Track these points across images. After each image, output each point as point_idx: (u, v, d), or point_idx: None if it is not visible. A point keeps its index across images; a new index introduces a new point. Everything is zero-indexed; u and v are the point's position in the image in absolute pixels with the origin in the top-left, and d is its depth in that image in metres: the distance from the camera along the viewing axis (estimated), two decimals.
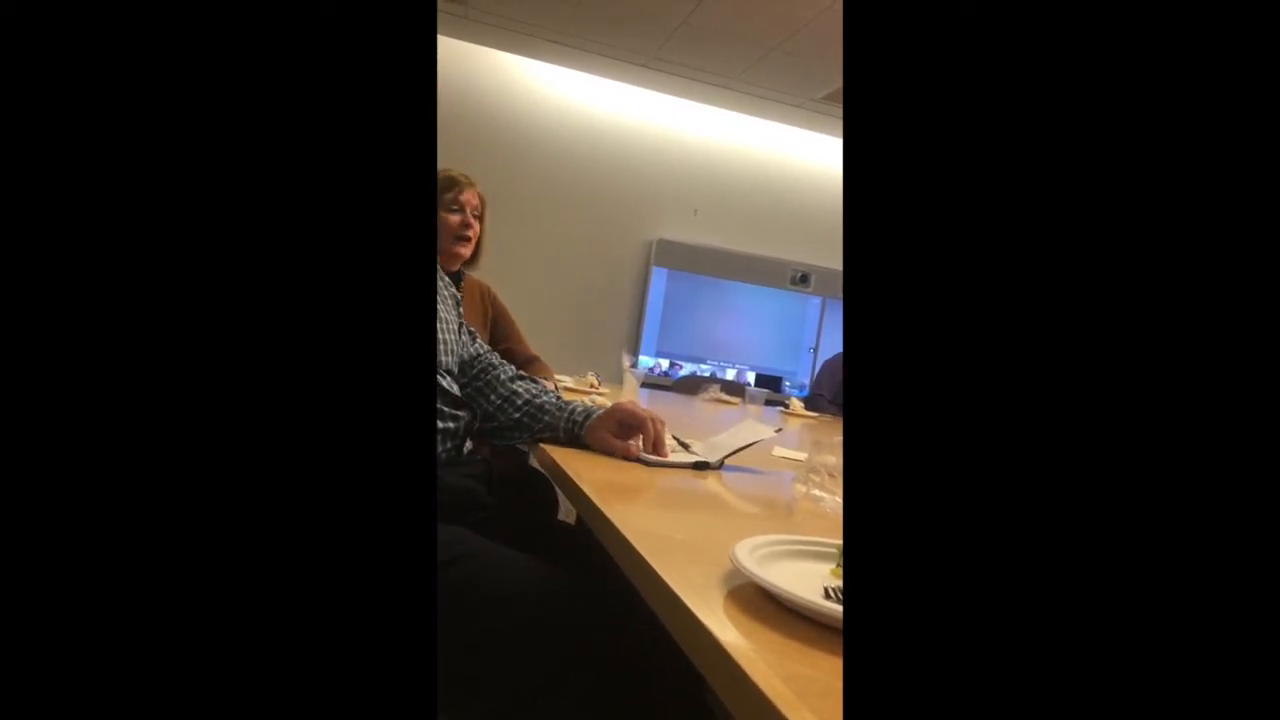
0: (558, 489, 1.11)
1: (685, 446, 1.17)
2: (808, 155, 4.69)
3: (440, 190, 1.86)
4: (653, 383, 4.11)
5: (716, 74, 3.95)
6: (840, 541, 0.56)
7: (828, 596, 0.49)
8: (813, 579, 0.54)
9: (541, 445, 1.10)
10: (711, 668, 0.43)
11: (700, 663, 0.44)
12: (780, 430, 1.30)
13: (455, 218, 1.89)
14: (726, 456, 1.08)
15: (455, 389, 1.14)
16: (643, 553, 0.57)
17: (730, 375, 4.62)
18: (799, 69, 3.70)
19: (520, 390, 1.20)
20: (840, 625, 0.44)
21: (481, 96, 4.21)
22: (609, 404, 1.14)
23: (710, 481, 0.98)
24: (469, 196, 1.92)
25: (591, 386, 2.28)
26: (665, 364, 4.61)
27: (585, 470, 0.92)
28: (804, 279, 4.75)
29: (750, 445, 1.12)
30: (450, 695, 0.73)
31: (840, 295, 4.43)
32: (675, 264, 4.57)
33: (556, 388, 1.77)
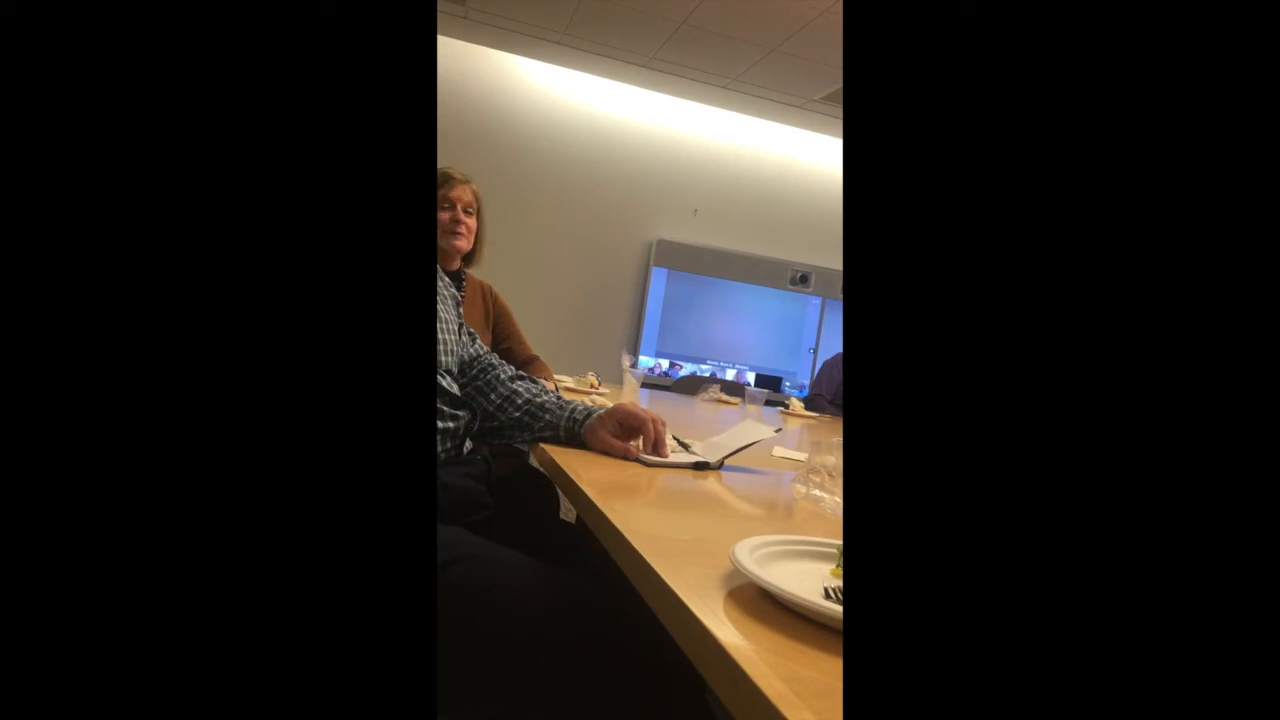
0: (558, 489, 1.11)
1: (685, 447, 1.17)
2: (808, 155, 4.70)
3: None
4: (653, 383, 4.11)
5: (716, 74, 3.95)
6: (840, 542, 0.56)
7: (828, 596, 0.49)
8: (813, 579, 0.54)
9: (541, 445, 1.10)
10: (711, 668, 0.43)
11: (700, 663, 0.44)
12: (780, 430, 1.30)
13: (444, 214, 1.90)
14: (726, 457, 1.08)
15: (455, 389, 1.14)
16: (643, 553, 0.57)
17: (730, 375, 4.62)
18: (799, 69, 3.70)
19: (520, 390, 1.20)
20: (840, 625, 0.44)
21: (481, 96, 4.21)
22: (609, 404, 1.14)
23: (710, 482, 0.98)
24: (460, 193, 1.92)
25: (592, 387, 2.27)
26: (665, 364, 4.61)
27: (585, 470, 0.92)
28: (804, 279, 4.75)
29: (750, 445, 1.12)
30: (450, 695, 0.73)
31: (840, 295, 4.43)
32: (675, 264, 4.57)
33: (556, 388, 1.77)
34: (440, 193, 1.89)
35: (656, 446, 1.06)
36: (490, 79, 4.22)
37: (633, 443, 1.05)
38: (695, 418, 2.04)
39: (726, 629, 0.44)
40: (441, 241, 1.91)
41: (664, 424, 1.08)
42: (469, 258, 2.02)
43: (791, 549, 0.58)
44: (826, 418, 2.71)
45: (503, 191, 4.09)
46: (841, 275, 4.01)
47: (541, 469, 1.10)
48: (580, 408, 1.12)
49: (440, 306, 1.17)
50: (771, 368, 4.79)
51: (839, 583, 0.53)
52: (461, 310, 1.35)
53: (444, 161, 1.77)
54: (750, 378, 4.70)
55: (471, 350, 1.26)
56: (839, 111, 4.10)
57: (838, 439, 0.85)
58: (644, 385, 3.10)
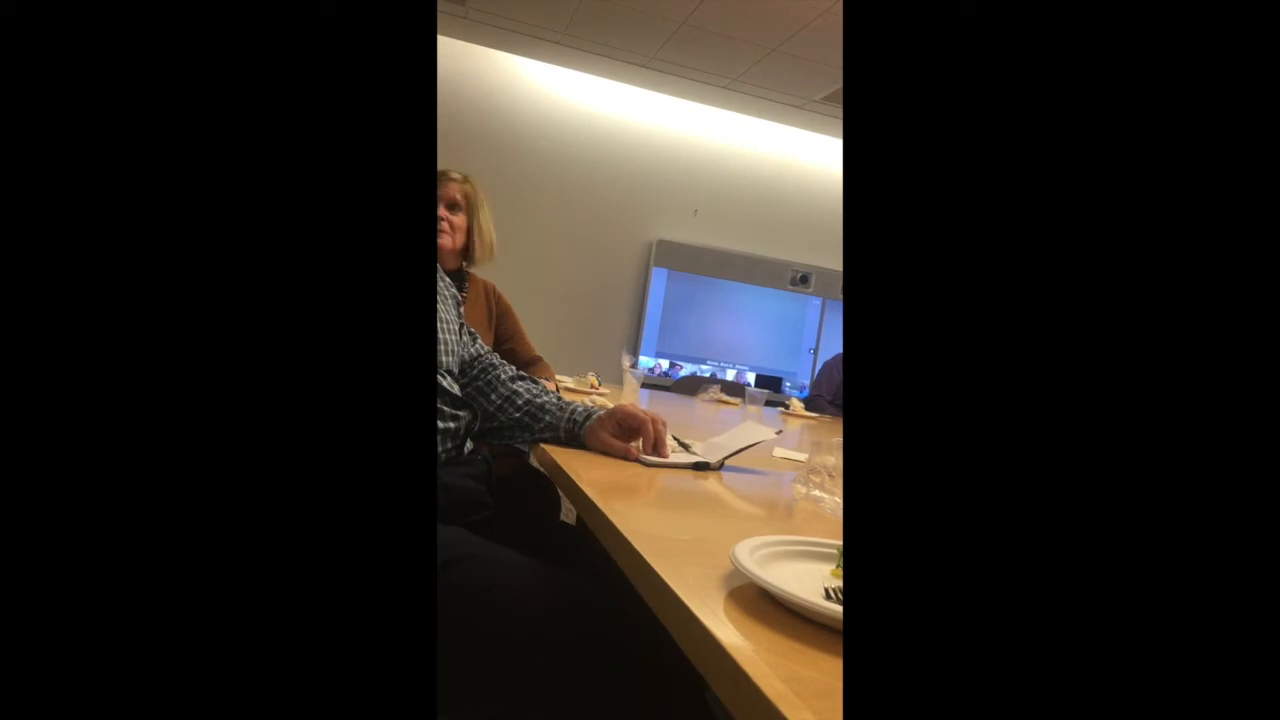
0: (558, 489, 1.11)
1: (685, 447, 1.17)
2: (808, 156, 4.70)
3: None
4: (653, 383, 4.11)
5: (717, 74, 3.95)
6: (840, 542, 0.56)
7: (828, 597, 0.49)
8: (813, 579, 0.54)
9: (542, 445, 1.10)
10: (711, 668, 0.43)
11: (700, 663, 0.44)
12: (780, 433, 1.30)
13: None
14: (727, 457, 1.08)
15: (456, 389, 1.14)
16: (643, 553, 0.57)
17: (730, 376, 4.62)
18: (799, 70, 3.70)
19: (521, 390, 1.20)
20: (840, 626, 0.44)
21: (481, 96, 4.21)
22: (609, 404, 1.14)
23: (710, 482, 0.98)
24: (442, 190, 1.91)
25: (592, 387, 2.27)
26: (665, 364, 4.61)
27: (585, 470, 0.92)
28: (804, 279, 4.75)
29: (751, 447, 1.12)
30: (450, 695, 0.73)
31: (840, 296, 4.43)
32: (675, 264, 4.57)
33: (558, 388, 1.76)
34: None
35: (657, 446, 1.06)
36: (490, 79, 4.22)
37: (633, 443, 1.05)
38: (695, 418, 2.04)
39: (726, 629, 0.44)
40: None
41: (664, 424, 1.08)
42: (468, 256, 2.01)
43: (791, 549, 0.58)
44: (826, 418, 2.71)
45: (503, 191, 4.09)
46: (841, 275, 4.01)
47: (542, 469, 1.10)
48: (580, 408, 1.12)
49: (440, 306, 1.17)
50: (772, 368, 4.79)
51: (839, 583, 0.53)
52: (463, 310, 1.35)
53: (444, 162, 1.77)
54: (750, 378, 4.70)
55: (472, 350, 1.26)
56: (839, 111, 4.10)
57: (838, 439, 0.85)
58: (644, 385, 3.10)
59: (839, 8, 2.99)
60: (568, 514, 1.64)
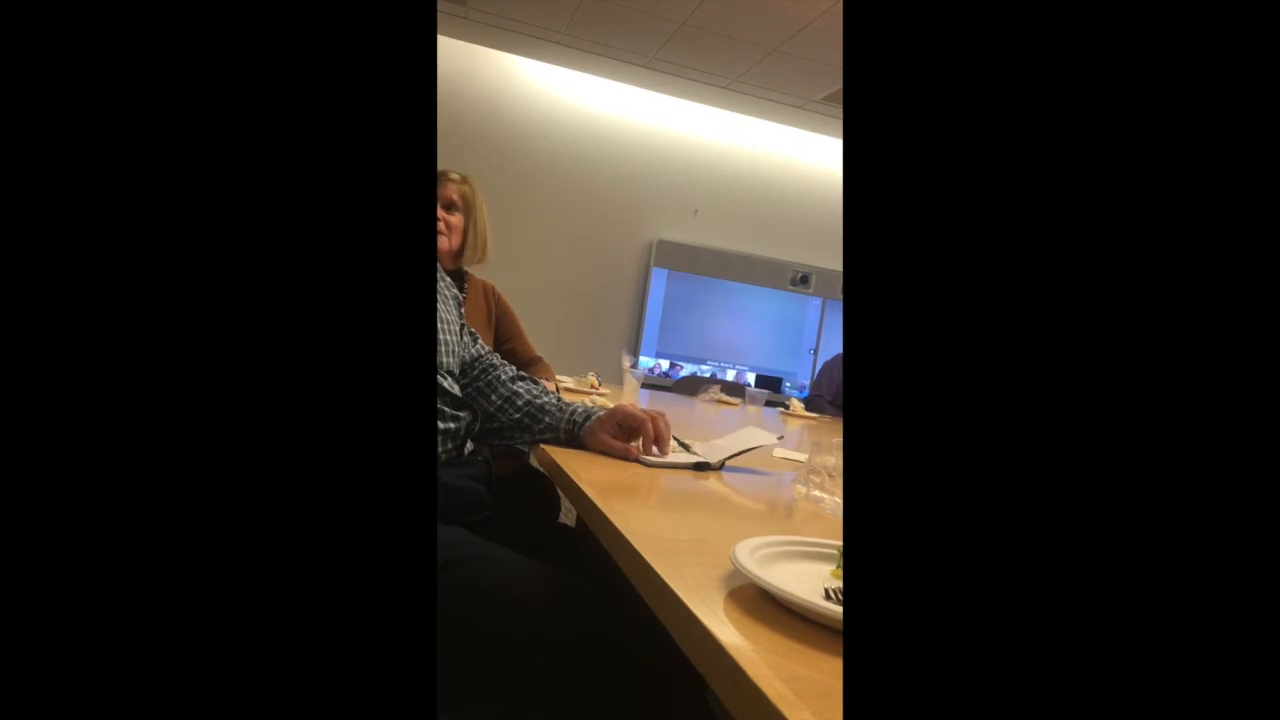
0: (558, 490, 1.11)
1: (686, 447, 1.17)
2: (808, 156, 4.70)
3: None
4: (653, 383, 4.11)
5: (717, 75, 3.95)
6: (840, 542, 0.56)
7: (828, 597, 0.49)
8: (813, 580, 0.54)
9: (542, 446, 1.10)
10: (711, 668, 0.43)
11: (700, 663, 0.44)
12: (782, 438, 1.30)
13: None
14: (727, 458, 1.08)
15: (456, 389, 1.14)
16: (643, 553, 0.57)
17: (730, 376, 4.62)
18: (799, 70, 3.70)
19: (521, 391, 1.20)
20: (840, 626, 0.44)
21: (481, 96, 4.21)
22: (609, 405, 1.14)
23: (710, 482, 0.98)
24: (442, 191, 1.90)
25: (592, 387, 2.27)
26: (665, 365, 4.61)
27: (585, 470, 0.92)
28: (804, 280, 4.76)
29: (751, 450, 1.12)
30: (450, 695, 0.73)
31: (840, 296, 4.43)
32: (675, 265, 4.57)
33: (558, 388, 1.76)
34: None
35: (659, 442, 1.06)
36: (490, 79, 4.22)
37: (633, 444, 1.05)
38: (695, 418, 2.04)
39: (727, 629, 0.44)
40: None
41: (666, 421, 1.08)
42: (461, 255, 2.00)
43: (792, 550, 0.58)
44: (826, 418, 2.71)
45: (503, 191, 4.09)
46: (841, 275, 4.01)
47: (542, 469, 1.10)
48: (580, 409, 1.12)
49: (441, 306, 1.17)
50: (772, 368, 4.80)
51: (839, 583, 0.53)
52: (463, 310, 1.35)
53: (445, 162, 1.77)
54: (750, 378, 4.70)
55: (473, 351, 1.26)
56: (839, 112, 4.10)
57: (838, 439, 0.85)
58: (644, 386, 3.10)
59: (839, 8, 2.99)
60: (567, 515, 1.64)
